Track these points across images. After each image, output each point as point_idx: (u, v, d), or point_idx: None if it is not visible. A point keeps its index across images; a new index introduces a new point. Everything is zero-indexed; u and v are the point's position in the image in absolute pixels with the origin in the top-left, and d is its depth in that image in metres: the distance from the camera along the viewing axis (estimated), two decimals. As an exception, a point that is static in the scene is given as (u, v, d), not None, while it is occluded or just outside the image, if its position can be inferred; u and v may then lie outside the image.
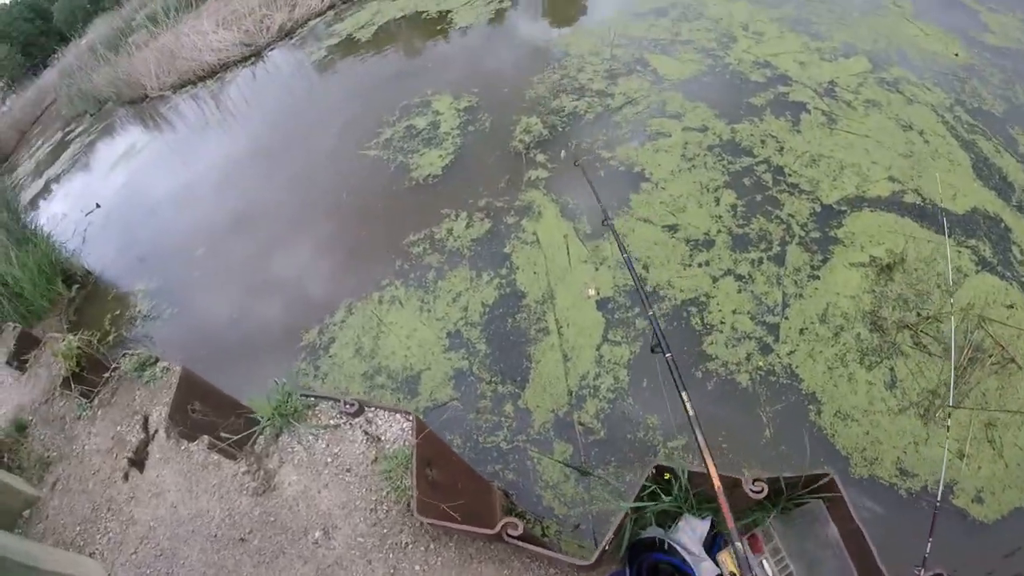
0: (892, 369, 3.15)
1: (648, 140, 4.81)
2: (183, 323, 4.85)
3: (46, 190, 8.74)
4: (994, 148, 4.35)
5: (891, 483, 2.80)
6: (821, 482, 1.89)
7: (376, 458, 2.47)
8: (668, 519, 2.05)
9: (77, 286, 5.63)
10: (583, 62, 6.01)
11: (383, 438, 2.52)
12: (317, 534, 2.38)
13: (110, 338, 4.81)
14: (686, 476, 1.97)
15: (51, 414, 3.37)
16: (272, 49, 9.67)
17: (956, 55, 5.21)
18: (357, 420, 2.59)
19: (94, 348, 3.59)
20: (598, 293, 3.80)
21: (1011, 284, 3.43)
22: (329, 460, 2.53)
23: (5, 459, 3.23)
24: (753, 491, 1.81)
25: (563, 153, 3.44)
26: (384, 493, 2.39)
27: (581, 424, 3.23)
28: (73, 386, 3.32)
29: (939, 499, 1.82)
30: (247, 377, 3.90)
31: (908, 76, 5.03)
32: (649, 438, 3.11)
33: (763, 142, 4.51)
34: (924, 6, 5.93)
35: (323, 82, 8.01)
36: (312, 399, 2.72)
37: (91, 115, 11.44)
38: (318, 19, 9.94)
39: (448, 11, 8.42)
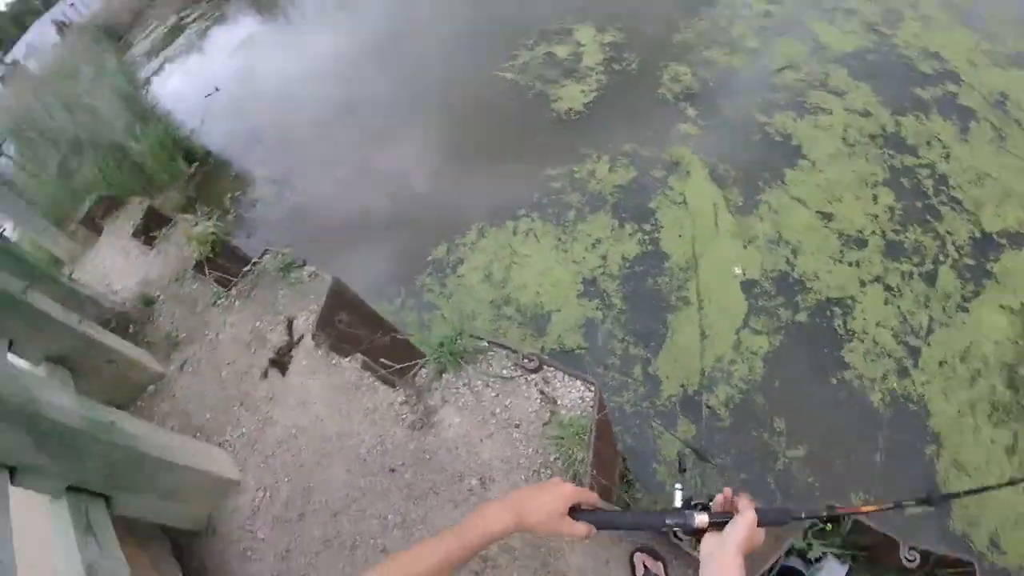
0: (1015, 434, 2.78)
1: (807, 113, 4.31)
2: (303, 213, 4.82)
3: (162, 70, 8.82)
4: None
5: (979, 552, 2.48)
6: (962, 568, 1.69)
7: (549, 421, 2.27)
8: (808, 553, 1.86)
9: (196, 163, 5.69)
10: (734, 15, 5.42)
11: (559, 402, 2.31)
12: (473, 482, 2.23)
13: (230, 216, 4.84)
14: (849, 521, 1.80)
15: (182, 294, 3.29)
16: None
17: None
18: (533, 377, 2.38)
19: (229, 237, 3.49)
20: (744, 273, 3.52)
21: None
22: (497, 411, 2.34)
23: (131, 330, 3.17)
24: (907, 559, 1.67)
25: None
26: (551, 459, 2.19)
27: (708, 407, 3.01)
28: (208, 271, 3.20)
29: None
30: (366, 281, 3.81)
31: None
32: (773, 442, 2.86)
33: (929, 143, 3.95)
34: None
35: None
36: (484, 343, 2.51)
37: (207, 1, 11.34)
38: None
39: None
